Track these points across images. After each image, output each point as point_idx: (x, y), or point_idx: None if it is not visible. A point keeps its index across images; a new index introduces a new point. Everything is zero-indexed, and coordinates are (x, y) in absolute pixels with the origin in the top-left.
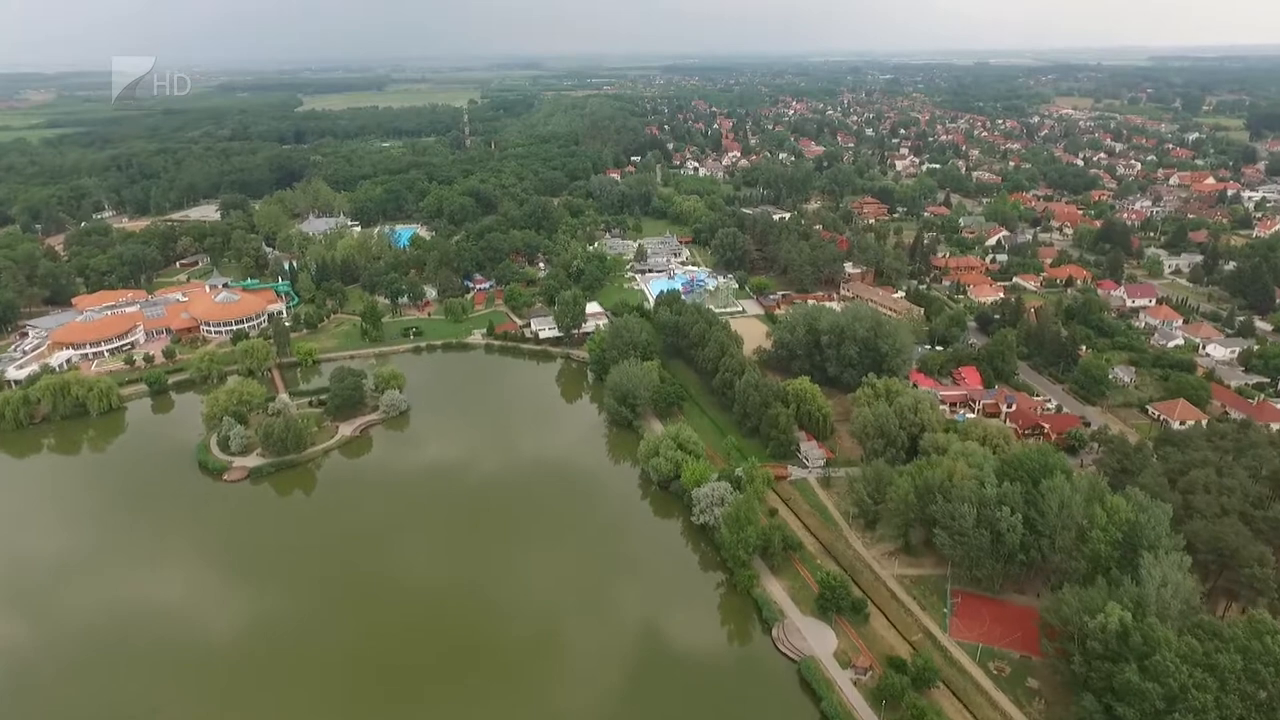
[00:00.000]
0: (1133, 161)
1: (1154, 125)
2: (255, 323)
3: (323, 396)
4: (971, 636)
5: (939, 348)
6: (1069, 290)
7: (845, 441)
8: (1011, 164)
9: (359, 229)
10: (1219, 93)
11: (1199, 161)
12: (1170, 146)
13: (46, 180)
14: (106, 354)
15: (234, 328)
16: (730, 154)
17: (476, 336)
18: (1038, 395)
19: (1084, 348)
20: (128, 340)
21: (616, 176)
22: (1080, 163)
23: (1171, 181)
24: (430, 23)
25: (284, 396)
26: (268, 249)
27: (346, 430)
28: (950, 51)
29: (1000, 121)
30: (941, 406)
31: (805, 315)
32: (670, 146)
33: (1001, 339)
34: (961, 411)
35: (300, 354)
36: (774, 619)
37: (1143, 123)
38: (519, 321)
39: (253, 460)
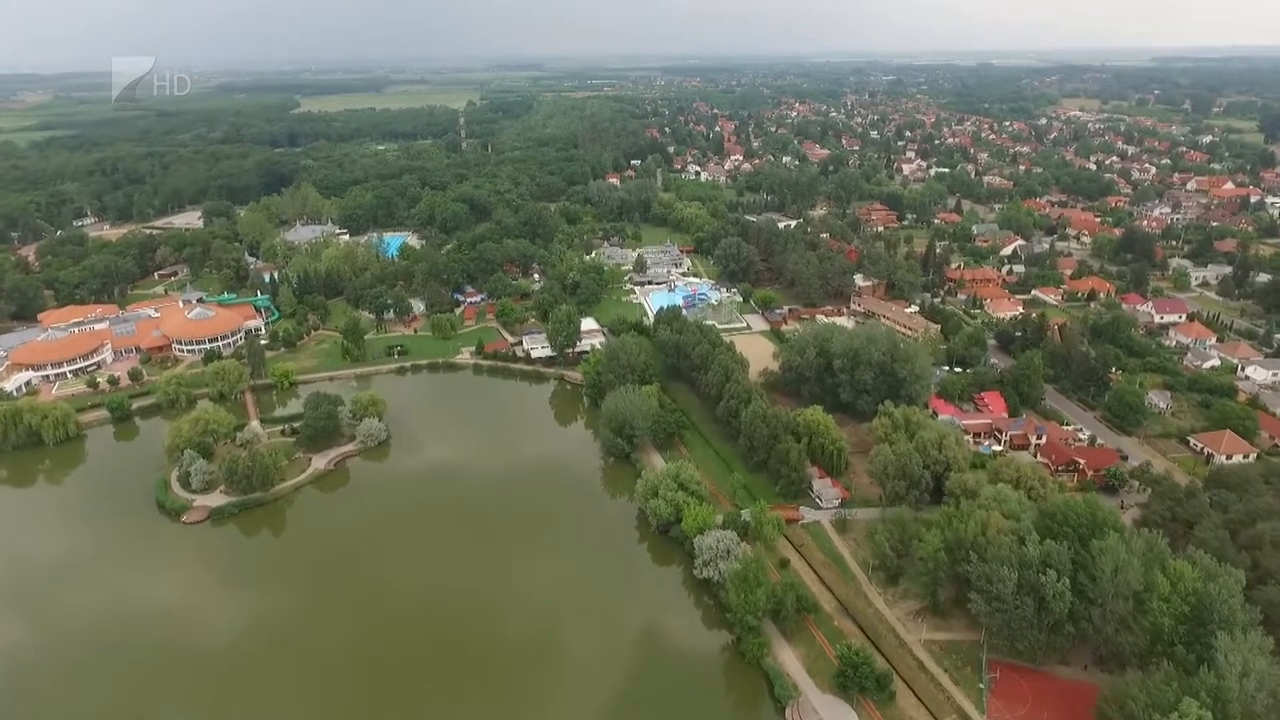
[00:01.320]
0: (1147, 165)
1: (1165, 127)
2: (231, 340)
3: (296, 425)
4: (1013, 719)
5: (958, 370)
6: (1092, 305)
7: (861, 476)
8: (1022, 168)
9: (347, 237)
10: (1227, 94)
11: (1215, 165)
12: (1184, 149)
13: (27, 185)
14: (69, 375)
15: (208, 346)
16: (733, 157)
17: (465, 355)
18: (1068, 424)
19: (1115, 370)
20: (93, 360)
21: (616, 181)
22: (1093, 167)
23: (1189, 186)
24: (431, 23)
25: (255, 424)
26: (251, 259)
27: (320, 463)
28: (951, 52)
29: (1007, 124)
30: (965, 437)
31: (815, 335)
32: (671, 150)
33: (1027, 361)
34: (986, 442)
35: (276, 376)
36: (787, 696)
37: (1153, 125)
38: (510, 339)
39: (216, 498)
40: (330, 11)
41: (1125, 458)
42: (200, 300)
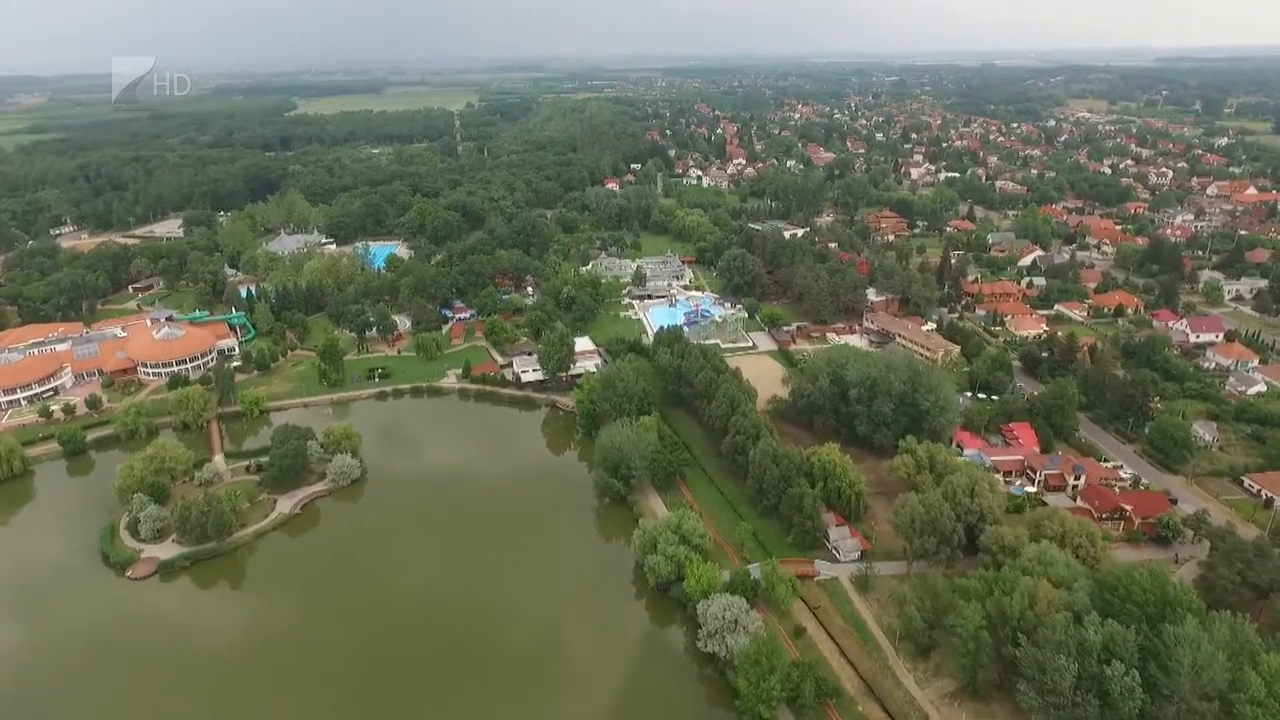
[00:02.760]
0: (1164, 169)
1: (1177, 129)
2: (202, 362)
3: (263, 460)
4: None
5: (981, 396)
6: (1120, 321)
7: (882, 521)
8: (1034, 172)
9: (333, 247)
10: (1237, 94)
11: (1234, 169)
12: (1200, 152)
13: (6, 192)
14: (24, 403)
15: (176, 369)
16: (735, 161)
17: (450, 378)
18: (1106, 460)
19: (1155, 398)
20: (50, 386)
21: (615, 187)
22: (1108, 170)
23: (1209, 192)
24: (431, 23)
25: (218, 460)
26: (231, 271)
27: (286, 505)
28: (952, 52)
29: (1015, 125)
30: (995, 477)
31: (828, 361)
32: (672, 153)
33: (1060, 390)
34: (1018, 482)
35: (245, 403)
36: None
37: (1165, 126)
38: (500, 360)
39: (167, 549)
40: (332, 12)
41: (1175, 501)
42: (169, 319)
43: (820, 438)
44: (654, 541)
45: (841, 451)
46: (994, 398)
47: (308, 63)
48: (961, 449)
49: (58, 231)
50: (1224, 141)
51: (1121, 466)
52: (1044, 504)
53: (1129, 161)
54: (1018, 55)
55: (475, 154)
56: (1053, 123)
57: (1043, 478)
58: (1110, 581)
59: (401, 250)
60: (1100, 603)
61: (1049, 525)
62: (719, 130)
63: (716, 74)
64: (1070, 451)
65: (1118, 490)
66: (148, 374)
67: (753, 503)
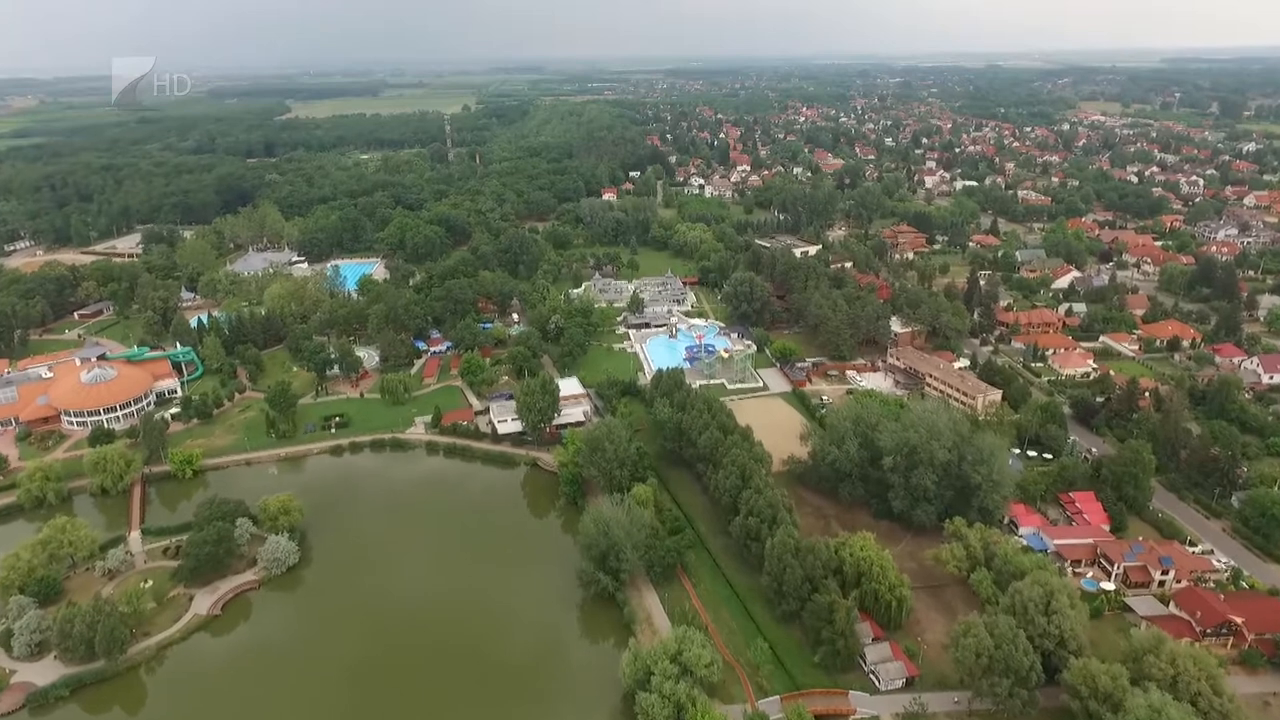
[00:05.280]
0: (1194, 177)
1: (1197, 133)
2: (136, 409)
3: (184, 540)
4: None
5: (1031, 454)
6: (1176, 356)
7: (926, 626)
8: (1055, 180)
9: (305, 266)
10: (1254, 96)
11: (1269, 177)
12: (1228, 158)
13: None
14: None
15: (104, 418)
16: (739, 168)
17: (418, 428)
18: (1191, 543)
19: (1242, 459)
20: None
21: (612, 197)
22: (1133, 179)
23: (1247, 202)
24: (432, 24)
25: (134, 538)
26: (188, 295)
27: (204, 604)
28: (954, 54)
29: (1029, 130)
30: (1060, 562)
31: (857, 420)
32: (673, 160)
33: (1134, 454)
34: (1090, 574)
35: (176, 463)
36: None
37: (1185, 130)
38: (476, 404)
39: (46, 669)
40: (332, 13)
41: None
42: (101, 357)
43: (847, 509)
44: (648, 671)
45: (875, 536)
46: (1047, 457)
47: (308, 65)
48: (1016, 526)
49: (12, 247)
50: (1251, 146)
51: (1213, 552)
52: (1126, 607)
53: (1154, 169)
54: (1021, 56)
55: (466, 161)
56: (1067, 126)
57: (1122, 571)
58: None
59: (379, 270)
60: None
61: (1155, 664)
62: (722, 135)
63: (718, 76)
64: (1146, 529)
65: (1215, 588)
66: (72, 424)
67: (770, 603)
